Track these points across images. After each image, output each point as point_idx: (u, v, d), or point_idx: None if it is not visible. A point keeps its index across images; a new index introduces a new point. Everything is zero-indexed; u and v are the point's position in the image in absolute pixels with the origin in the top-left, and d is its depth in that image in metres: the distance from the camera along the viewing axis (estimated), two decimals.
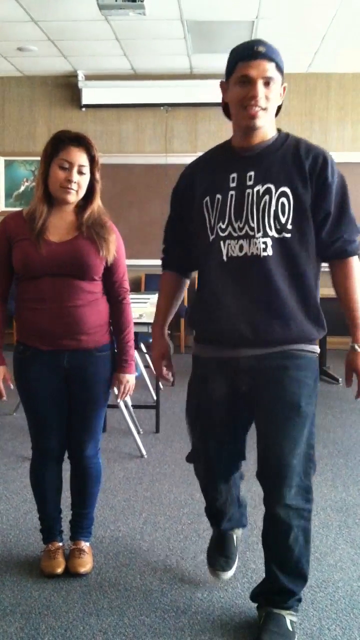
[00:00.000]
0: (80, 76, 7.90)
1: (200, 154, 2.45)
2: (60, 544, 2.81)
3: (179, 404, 5.54)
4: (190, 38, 6.68)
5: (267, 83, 2.10)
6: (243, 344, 2.19)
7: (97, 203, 2.58)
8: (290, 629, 2.29)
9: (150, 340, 5.35)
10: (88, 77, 7.95)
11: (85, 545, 2.79)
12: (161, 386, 4.83)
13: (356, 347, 2.22)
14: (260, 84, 2.09)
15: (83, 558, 2.73)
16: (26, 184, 8.26)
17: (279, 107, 2.21)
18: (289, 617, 2.32)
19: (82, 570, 2.70)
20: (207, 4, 5.82)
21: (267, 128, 2.19)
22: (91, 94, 7.97)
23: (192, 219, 2.30)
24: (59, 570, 2.69)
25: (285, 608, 2.32)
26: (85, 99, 7.99)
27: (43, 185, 2.49)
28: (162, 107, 8.02)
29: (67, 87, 8.12)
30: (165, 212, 2.52)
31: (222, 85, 2.23)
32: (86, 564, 2.73)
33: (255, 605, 2.42)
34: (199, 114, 7.96)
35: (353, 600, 2.55)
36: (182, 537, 3.07)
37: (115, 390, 2.72)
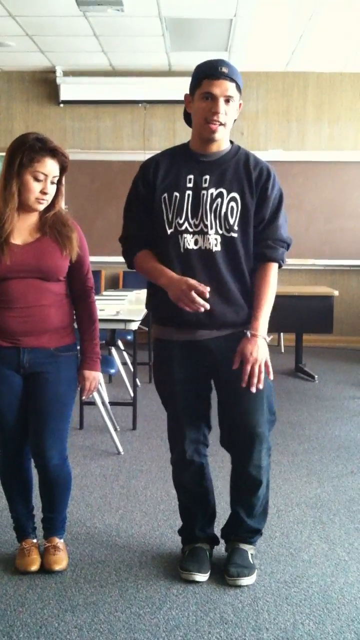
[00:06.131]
0: (59, 72, 7.86)
1: None
2: (35, 540, 2.80)
3: (156, 401, 5.53)
4: (169, 35, 6.68)
5: (227, 100, 2.42)
6: (200, 326, 2.51)
7: (60, 204, 2.58)
8: (251, 561, 2.71)
9: (128, 337, 5.37)
10: (66, 73, 7.90)
11: (59, 542, 2.79)
12: (138, 383, 4.82)
13: (248, 333, 2.49)
14: (221, 101, 2.41)
15: (58, 555, 2.73)
16: None
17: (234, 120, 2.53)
18: (251, 551, 2.74)
19: (57, 567, 2.69)
20: (186, 2, 5.82)
21: (223, 139, 2.52)
22: (69, 90, 7.93)
23: (153, 207, 2.54)
24: (34, 567, 2.68)
25: (250, 543, 2.75)
26: (64, 95, 7.94)
27: (18, 194, 2.45)
28: (140, 104, 8.01)
29: (45, 83, 8.07)
30: None
31: (186, 97, 2.54)
32: (61, 560, 2.72)
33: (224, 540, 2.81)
34: (177, 111, 7.93)
35: (327, 596, 2.57)
36: (158, 534, 3.07)
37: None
